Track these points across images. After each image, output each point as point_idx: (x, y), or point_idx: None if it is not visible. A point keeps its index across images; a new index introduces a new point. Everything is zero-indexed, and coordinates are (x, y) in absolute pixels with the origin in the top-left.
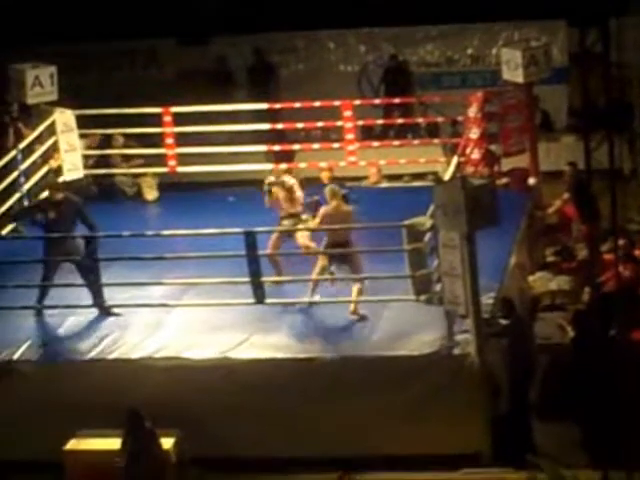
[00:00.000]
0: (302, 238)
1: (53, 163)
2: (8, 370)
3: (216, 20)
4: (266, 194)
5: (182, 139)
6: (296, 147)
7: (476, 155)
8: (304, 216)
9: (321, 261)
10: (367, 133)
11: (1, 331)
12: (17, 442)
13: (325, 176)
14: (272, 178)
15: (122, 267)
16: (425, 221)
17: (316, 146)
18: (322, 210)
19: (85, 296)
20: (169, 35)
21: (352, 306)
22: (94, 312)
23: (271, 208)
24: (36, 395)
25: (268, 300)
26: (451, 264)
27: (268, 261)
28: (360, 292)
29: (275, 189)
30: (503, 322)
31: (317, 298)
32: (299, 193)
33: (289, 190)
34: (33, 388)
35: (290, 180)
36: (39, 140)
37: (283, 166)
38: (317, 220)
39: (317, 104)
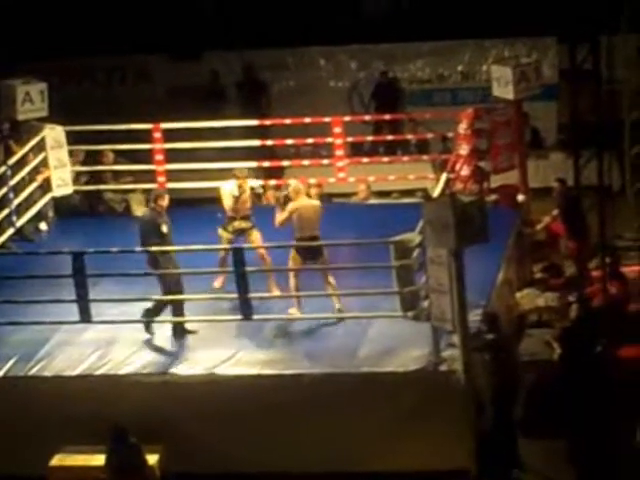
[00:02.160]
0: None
1: (39, 178)
2: None
3: (207, 36)
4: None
5: (172, 155)
6: (286, 163)
7: (465, 172)
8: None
9: (293, 263)
10: (357, 149)
11: None
12: (1, 457)
13: (314, 192)
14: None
15: (110, 283)
16: (414, 237)
17: (306, 162)
18: (290, 206)
19: (73, 312)
20: (160, 50)
21: (336, 302)
22: (81, 328)
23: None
24: (22, 410)
25: (256, 316)
26: (439, 280)
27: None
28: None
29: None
30: (488, 337)
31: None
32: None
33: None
34: (19, 403)
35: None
36: (28, 156)
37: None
38: (285, 215)
39: (307, 120)
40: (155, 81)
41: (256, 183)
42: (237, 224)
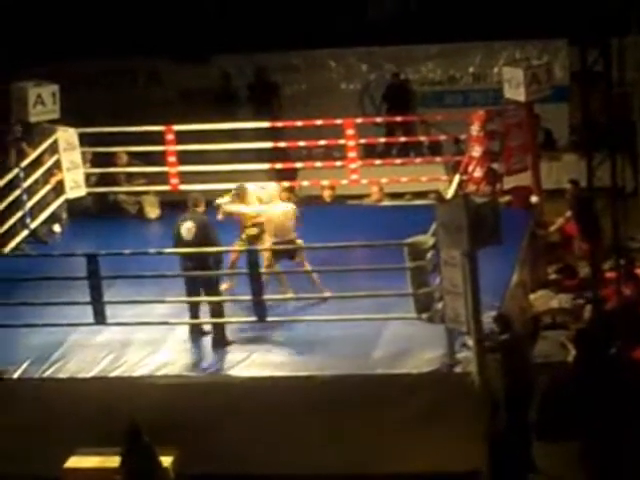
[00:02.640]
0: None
1: (53, 181)
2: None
3: (218, 38)
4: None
5: (184, 157)
6: (299, 165)
7: (478, 173)
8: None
9: (266, 261)
10: (369, 151)
11: (3, 348)
12: (17, 458)
13: (327, 194)
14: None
15: (124, 285)
16: (427, 239)
17: (318, 164)
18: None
19: (87, 314)
20: (171, 53)
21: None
22: (96, 330)
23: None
24: (37, 412)
25: (270, 317)
26: (453, 282)
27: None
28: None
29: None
30: (501, 338)
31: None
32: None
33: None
34: (34, 405)
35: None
36: (41, 158)
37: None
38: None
39: (319, 122)
40: (166, 84)
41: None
42: (248, 231)
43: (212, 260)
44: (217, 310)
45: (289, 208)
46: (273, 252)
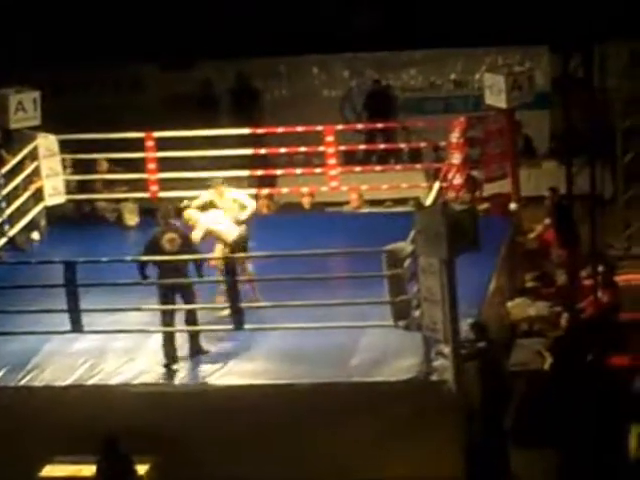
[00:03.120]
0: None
1: (32, 188)
2: None
3: (200, 45)
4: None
5: (164, 164)
6: (279, 172)
7: (458, 180)
8: None
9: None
10: (349, 158)
11: None
12: None
13: (306, 201)
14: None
15: (101, 293)
16: (405, 247)
17: (298, 171)
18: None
19: (64, 322)
20: (153, 60)
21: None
22: (72, 337)
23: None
24: (12, 420)
25: (247, 326)
26: (430, 290)
27: None
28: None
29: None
30: (476, 345)
31: None
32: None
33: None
34: (9, 413)
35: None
36: (21, 165)
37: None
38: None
39: (300, 129)
40: (148, 91)
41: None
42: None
43: (194, 269)
44: (192, 319)
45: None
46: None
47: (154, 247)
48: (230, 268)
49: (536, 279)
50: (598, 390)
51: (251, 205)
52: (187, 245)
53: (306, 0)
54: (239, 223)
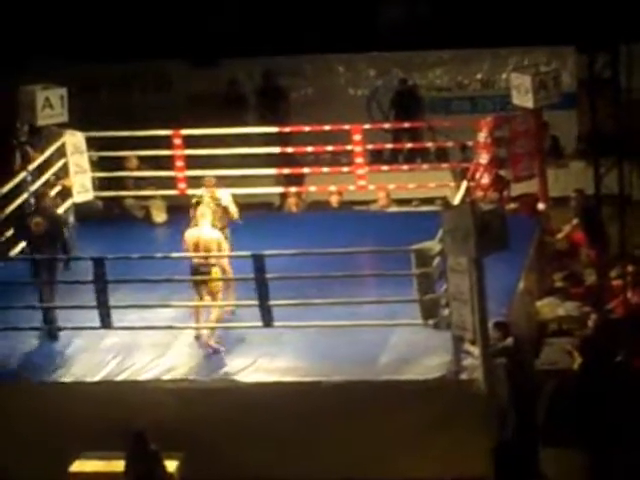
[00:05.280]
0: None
1: (60, 185)
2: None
3: (227, 42)
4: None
5: (192, 162)
6: (306, 170)
7: (485, 180)
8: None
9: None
10: (376, 157)
11: (10, 351)
12: (21, 462)
13: (334, 200)
14: (201, 192)
15: (131, 289)
16: (434, 246)
17: (326, 170)
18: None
19: (93, 318)
20: (180, 57)
21: (206, 336)
22: (102, 333)
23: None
24: (42, 416)
25: (276, 323)
26: (459, 289)
27: None
28: (218, 319)
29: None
30: (501, 344)
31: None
32: (233, 208)
33: (219, 205)
34: (39, 408)
35: (223, 195)
36: (49, 162)
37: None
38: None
39: (327, 128)
40: (175, 88)
41: (225, 197)
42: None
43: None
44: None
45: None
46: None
47: (22, 227)
48: (260, 266)
49: (565, 279)
50: (627, 390)
51: (234, 212)
52: (53, 231)
53: None
54: (218, 228)
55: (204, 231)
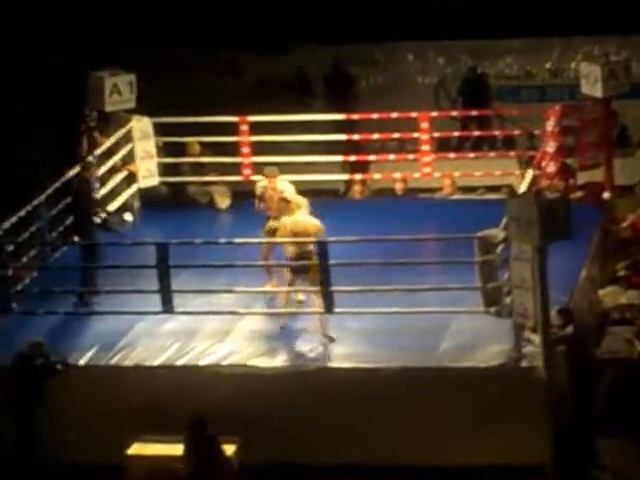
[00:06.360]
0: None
1: (126, 170)
2: (74, 373)
3: (295, 30)
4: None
5: (257, 148)
6: (372, 158)
7: (552, 168)
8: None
9: (287, 275)
10: (443, 145)
11: (71, 335)
12: (82, 443)
13: (399, 187)
14: (265, 182)
15: (193, 274)
16: (498, 233)
17: (391, 157)
18: (282, 221)
19: (154, 302)
20: (248, 44)
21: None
22: (163, 318)
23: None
24: (102, 399)
25: (337, 309)
26: (522, 277)
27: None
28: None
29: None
30: (563, 331)
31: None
32: (297, 198)
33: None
34: (99, 392)
35: (285, 187)
36: (115, 147)
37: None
38: (279, 232)
39: (394, 115)
40: (243, 75)
41: (288, 188)
42: (271, 224)
43: None
44: None
45: (317, 224)
46: (292, 268)
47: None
48: (323, 252)
49: (628, 268)
50: None
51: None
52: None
53: None
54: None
55: (307, 219)
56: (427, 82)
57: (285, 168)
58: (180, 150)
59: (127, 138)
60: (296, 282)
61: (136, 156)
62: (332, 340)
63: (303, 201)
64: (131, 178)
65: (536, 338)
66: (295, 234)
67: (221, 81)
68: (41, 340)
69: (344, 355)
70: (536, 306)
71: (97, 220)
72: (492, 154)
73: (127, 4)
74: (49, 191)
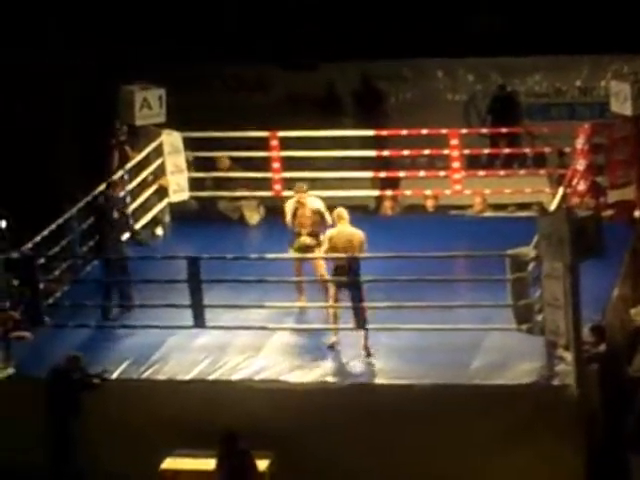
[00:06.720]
0: (320, 266)
1: (156, 184)
2: (107, 386)
3: (325, 46)
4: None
5: (287, 163)
6: (402, 174)
7: (582, 186)
8: (322, 237)
9: (331, 289)
10: (473, 162)
11: (103, 349)
12: (115, 457)
13: (430, 204)
14: (295, 198)
15: (224, 289)
16: (529, 251)
17: (422, 174)
18: (327, 233)
19: (187, 317)
20: (278, 60)
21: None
22: (195, 333)
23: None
24: (134, 413)
25: (369, 325)
26: (554, 294)
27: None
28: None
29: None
30: (596, 349)
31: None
32: (327, 215)
33: (316, 212)
34: (132, 406)
35: (316, 201)
36: (145, 161)
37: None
38: (324, 246)
39: (424, 132)
40: (272, 91)
41: (319, 204)
42: (302, 240)
43: None
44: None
45: (355, 233)
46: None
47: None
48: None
49: None
50: None
51: (329, 219)
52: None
53: (429, 3)
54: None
55: (354, 231)
56: (457, 99)
57: (316, 184)
58: (209, 165)
59: (157, 152)
60: (339, 295)
61: (167, 170)
62: (370, 355)
63: (344, 212)
64: (162, 192)
65: (568, 356)
66: (338, 245)
67: (249, 96)
68: (78, 354)
69: (376, 371)
70: (568, 324)
71: (124, 237)
72: (522, 172)
73: (157, 19)
74: (80, 204)
